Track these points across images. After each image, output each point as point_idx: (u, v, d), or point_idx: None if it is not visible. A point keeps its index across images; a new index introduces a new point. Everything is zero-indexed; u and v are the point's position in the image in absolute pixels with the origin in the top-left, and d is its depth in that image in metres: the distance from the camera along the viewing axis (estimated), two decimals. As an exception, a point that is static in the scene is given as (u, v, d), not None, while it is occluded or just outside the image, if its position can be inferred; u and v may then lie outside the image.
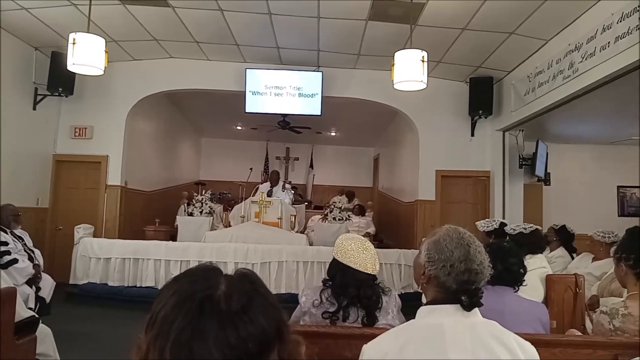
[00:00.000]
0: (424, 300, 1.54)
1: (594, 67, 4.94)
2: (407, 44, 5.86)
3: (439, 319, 1.37)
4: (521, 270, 2.38)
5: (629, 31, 4.33)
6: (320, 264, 6.58)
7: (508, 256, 2.34)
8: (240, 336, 0.68)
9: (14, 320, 2.71)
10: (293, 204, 9.10)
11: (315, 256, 6.75)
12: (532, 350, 1.38)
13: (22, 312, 3.01)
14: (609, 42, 4.66)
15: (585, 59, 5.10)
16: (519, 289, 2.37)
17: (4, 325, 2.58)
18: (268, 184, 9.13)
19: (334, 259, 2.31)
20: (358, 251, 2.25)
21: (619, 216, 10.04)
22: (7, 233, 4.68)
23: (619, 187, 10.16)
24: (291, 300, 2.35)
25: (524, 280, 2.39)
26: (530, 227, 3.92)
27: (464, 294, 1.38)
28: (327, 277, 2.33)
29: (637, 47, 4.23)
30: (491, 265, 1.46)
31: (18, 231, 4.97)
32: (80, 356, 4.24)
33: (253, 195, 8.55)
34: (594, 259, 4.52)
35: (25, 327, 2.94)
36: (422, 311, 1.44)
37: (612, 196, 10.16)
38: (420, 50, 5.04)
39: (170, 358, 0.67)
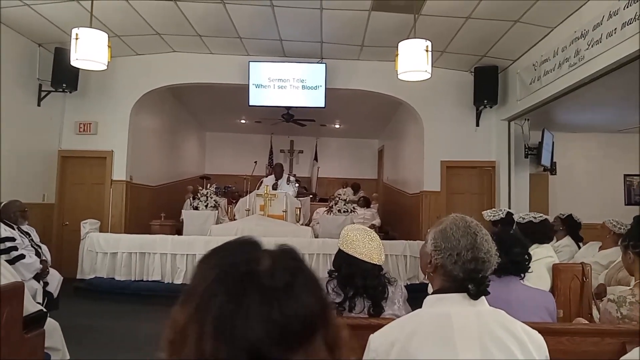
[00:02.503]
0: (430, 290, 1.54)
1: (600, 54, 4.87)
2: (411, 34, 5.80)
3: (446, 307, 1.37)
4: (526, 257, 2.36)
5: (636, 17, 4.26)
6: (326, 256, 6.58)
7: (512, 247, 2.31)
8: (284, 313, 0.66)
9: (22, 315, 2.73)
10: (297, 196, 9.10)
11: (321, 248, 6.75)
12: (539, 338, 1.37)
13: (30, 306, 3.03)
14: (615, 29, 4.59)
15: (592, 46, 5.03)
16: (524, 276, 2.35)
17: (13, 320, 2.60)
18: (272, 177, 9.13)
19: (339, 249, 2.31)
20: (364, 242, 2.24)
21: (625, 205, 10.00)
22: (14, 229, 4.71)
23: (625, 175, 10.11)
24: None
25: (529, 267, 2.37)
26: (540, 216, 3.88)
27: (470, 282, 1.37)
28: (333, 268, 2.34)
29: (644, 33, 4.18)
30: (497, 254, 1.45)
31: (25, 227, 4.99)
32: (88, 349, 4.28)
33: (258, 189, 8.56)
34: (600, 248, 4.49)
35: (33, 321, 2.96)
36: (429, 300, 1.44)
37: (618, 185, 10.11)
38: (424, 40, 5.01)
39: (212, 332, 0.65)
